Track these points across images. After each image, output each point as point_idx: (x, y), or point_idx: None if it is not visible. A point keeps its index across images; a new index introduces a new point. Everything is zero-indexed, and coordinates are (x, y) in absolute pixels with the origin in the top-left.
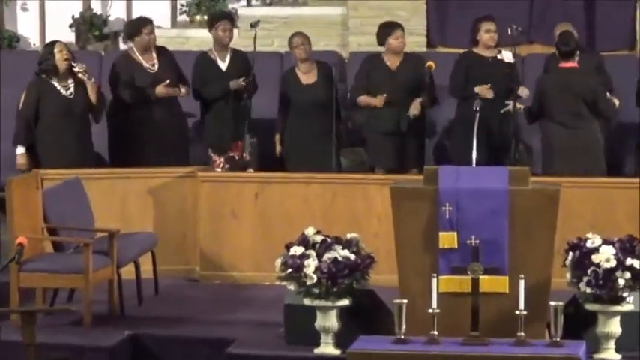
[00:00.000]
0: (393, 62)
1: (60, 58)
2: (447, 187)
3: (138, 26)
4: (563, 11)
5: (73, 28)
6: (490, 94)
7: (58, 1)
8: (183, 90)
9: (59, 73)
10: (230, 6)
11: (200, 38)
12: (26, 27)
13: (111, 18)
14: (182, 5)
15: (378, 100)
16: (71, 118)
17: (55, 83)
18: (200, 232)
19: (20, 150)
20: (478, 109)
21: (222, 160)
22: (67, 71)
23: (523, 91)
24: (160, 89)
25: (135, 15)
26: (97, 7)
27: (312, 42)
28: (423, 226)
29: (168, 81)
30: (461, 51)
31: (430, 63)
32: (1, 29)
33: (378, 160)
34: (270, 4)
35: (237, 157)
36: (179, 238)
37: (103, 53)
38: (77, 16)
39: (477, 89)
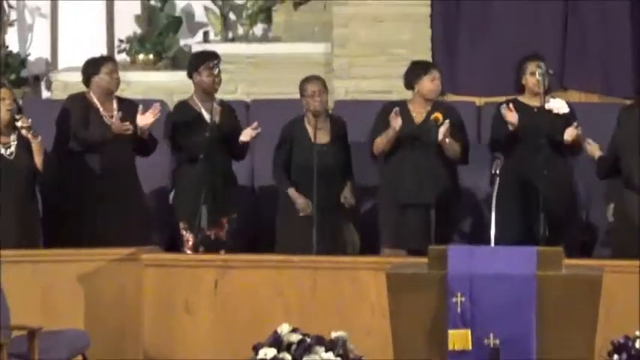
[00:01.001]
0: (418, 113)
1: (2, 108)
2: (458, 271)
3: (96, 64)
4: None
5: None
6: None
7: None
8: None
9: (2, 128)
10: (182, 42)
11: (144, 83)
12: None
13: (31, 58)
14: (121, 41)
15: (395, 122)
16: (10, 184)
17: None
18: (144, 330)
19: None
20: (497, 172)
21: (194, 239)
22: (9, 125)
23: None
24: (118, 124)
25: (61, 53)
26: (12, 44)
27: (288, 87)
28: (428, 322)
29: (128, 124)
30: (476, 100)
31: (437, 114)
32: None
33: (396, 238)
34: (232, 40)
35: (213, 237)
36: (117, 337)
37: (20, 102)
38: None
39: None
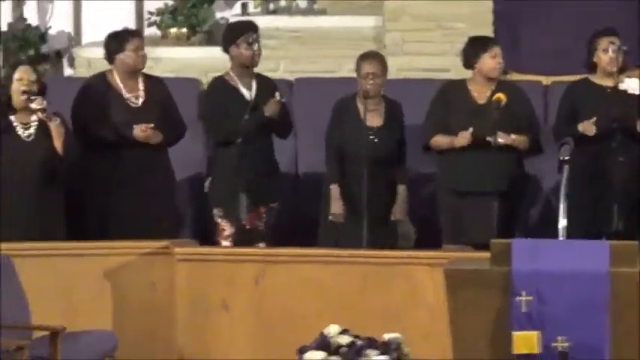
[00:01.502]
0: (480, 93)
1: (17, 89)
2: (523, 268)
3: (120, 40)
4: None
5: None
6: (592, 131)
7: None
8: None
9: (16, 108)
10: (218, 14)
11: (176, 60)
12: None
13: (52, 32)
14: (151, 13)
15: (463, 138)
16: (23, 169)
17: (13, 120)
18: (177, 329)
19: None
20: (567, 158)
21: (232, 229)
22: (26, 106)
23: None
24: (139, 131)
25: (85, 28)
26: (32, 17)
27: (334, 65)
28: (491, 323)
29: (152, 125)
30: (543, 79)
31: (500, 95)
32: None
33: (457, 231)
34: (274, 12)
35: (248, 227)
36: (147, 338)
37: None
38: (4, 28)
39: (580, 127)
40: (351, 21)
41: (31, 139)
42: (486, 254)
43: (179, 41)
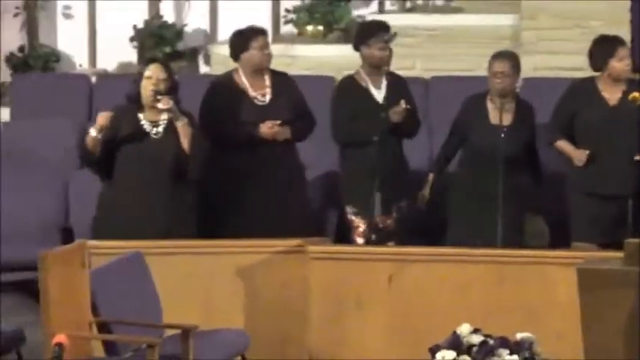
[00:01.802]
0: (611, 94)
1: (146, 86)
2: None
3: (245, 39)
4: None
5: (135, 43)
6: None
7: (113, 5)
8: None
9: (144, 106)
10: (355, 12)
11: (312, 58)
12: (70, 41)
13: (188, 29)
14: (287, 11)
15: (579, 155)
16: (148, 166)
17: (140, 116)
18: (310, 329)
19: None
20: None
21: (365, 226)
22: (154, 105)
23: None
24: (266, 129)
25: (221, 25)
26: (168, 15)
27: (470, 63)
28: (625, 323)
29: (279, 121)
30: None
31: (635, 94)
32: (35, 44)
33: (582, 231)
34: (411, 10)
35: (381, 225)
36: (280, 337)
37: (177, 77)
38: (141, 26)
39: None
40: (487, 19)
41: (159, 137)
42: (620, 254)
43: (315, 39)
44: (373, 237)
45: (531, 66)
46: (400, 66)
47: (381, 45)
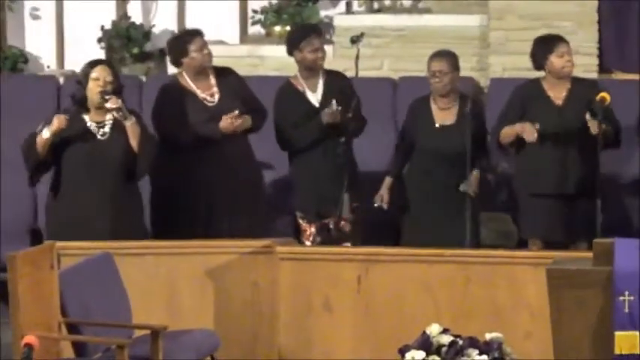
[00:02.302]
0: (557, 93)
1: (93, 87)
2: (625, 268)
3: (182, 43)
4: None
5: (103, 44)
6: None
7: (81, 5)
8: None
9: (89, 107)
10: (323, 13)
11: (280, 59)
12: (37, 42)
13: (156, 30)
14: (255, 12)
15: (528, 129)
16: (96, 168)
17: (86, 118)
18: (279, 329)
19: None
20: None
21: (312, 229)
22: (102, 106)
23: None
24: (226, 123)
25: (189, 26)
26: (136, 16)
27: None
28: (593, 323)
29: (237, 112)
30: None
31: (604, 94)
32: (3, 45)
33: (534, 229)
34: (378, 11)
35: (332, 227)
36: (249, 337)
37: (144, 79)
38: (108, 26)
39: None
40: (455, 20)
41: (106, 137)
42: (589, 254)
43: (283, 40)
44: (318, 239)
45: (500, 67)
46: (368, 66)
47: (312, 47)
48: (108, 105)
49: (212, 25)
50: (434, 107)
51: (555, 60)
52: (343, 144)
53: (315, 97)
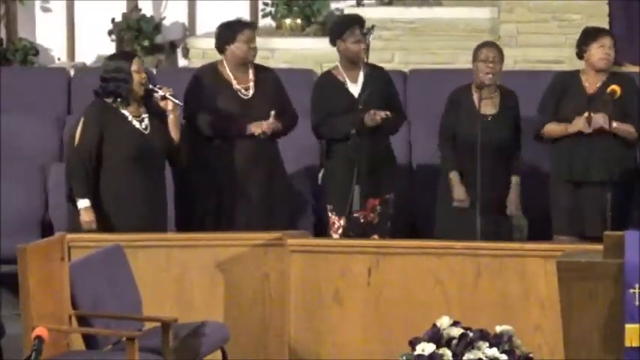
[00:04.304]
0: (591, 84)
1: (138, 81)
2: (636, 260)
3: (232, 31)
4: None
5: (113, 36)
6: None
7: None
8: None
9: (132, 101)
10: (333, 5)
11: (291, 51)
12: (48, 34)
13: (166, 22)
14: (265, 4)
15: (581, 122)
16: (144, 162)
17: (126, 113)
18: (289, 322)
19: (84, 204)
20: None
21: (341, 222)
22: (141, 98)
23: None
24: (257, 129)
25: (200, 18)
26: (146, 8)
27: (449, 56)
28: (604, 316)
29: (273, 113)
30: None
31: (614, 87)
32: (14, 38)
33: (565, 223)
34: (389, 4)
35: (362, 219)
36: (259, 330)
37: (154, 71)
38: (119, 19)
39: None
40: (466, 12)
41: (149, 130)
42: (600, 246)
43: (294, 32)
44: (351, 234)
45: (511, 59)
46: (379, 59)
47: (355, 39)
48: (160, 93)
49: (223, 17)
50: (476, 97)
51: (594, 51)
52: (384, 136)
53: (356, 89)
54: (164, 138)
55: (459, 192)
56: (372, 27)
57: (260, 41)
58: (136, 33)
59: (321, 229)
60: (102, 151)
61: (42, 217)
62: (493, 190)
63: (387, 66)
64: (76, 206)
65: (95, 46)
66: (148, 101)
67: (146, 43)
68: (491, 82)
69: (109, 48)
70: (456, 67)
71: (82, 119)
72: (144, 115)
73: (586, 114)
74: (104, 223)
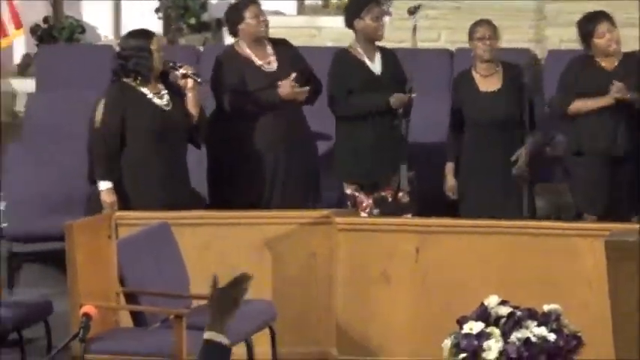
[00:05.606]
0: (608, 63)
1: (158, 60)
2: None
3: (238, 10)
4: None
5: (160, 14)
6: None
7: None
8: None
9: (152, 78)
10: None
11: (337, 29)
12: (94, 13)
13: (213, 0)
14: None
15: (608, 98)
16: (166, 139)
17: (146, 91)
18: (337, 300)
19: (106, 185)
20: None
21: (370, 201)
22: (164, 74)
23: None
24: (286, 89)
25: None
26: None
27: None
28: None
29: (294, 75)
30: None
31: None
32: (60, 16)
33: (588, 201)
34: None
35: (390, 198)
36: (307, 309)
37: (201, 49)
38: None
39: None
40: None
41: (170, 107)
42: None
43: (340, 10)
44: (375, 212)
45: (557, 38)
46: (425, 37)
47: (374, 15)
48: (182, 71)
49: None
50: (476, 76)
51: (597, 41)
52: (401, 115)
53: (375, 67)
54: (183, 115)
55: (449, 184)
56: (419, 6)
57: (306, 19)
58: (183, 11)
59: (340, 207)
60: (124, 131)
61: (89, 193)
62: (505, 164)
63: (433, 45)
64: (96, 187)
65: (141, 23)
66: (165, 78)
67: (192, 20)
68: (490, 57)
69: (156, 25)
70: (502, 47)
71: (103, 100)
72: (163, 92)
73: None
74: (126, 203)
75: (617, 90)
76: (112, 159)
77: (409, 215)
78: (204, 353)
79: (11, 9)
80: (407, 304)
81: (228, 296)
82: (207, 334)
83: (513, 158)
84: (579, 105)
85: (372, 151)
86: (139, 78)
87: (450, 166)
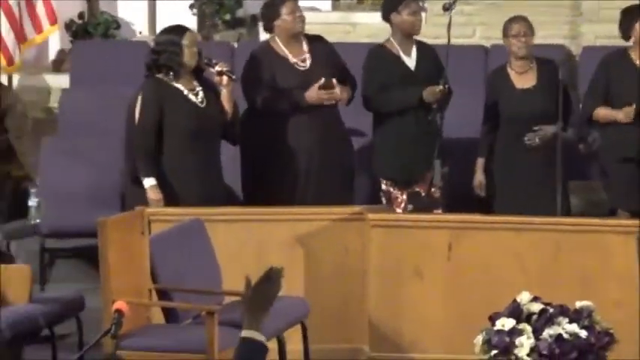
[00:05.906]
0: None
1: (190, 55)
2: None
3: (274, 6)
4: None
5: (194, 10)
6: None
7: None
8: (344, 94)
9: (184, 74)
10: None
11: (372, 25)
12: (129, 9)
13: None
14: None
15: (624, 113)
16: (202, 136)
17: (181, 87)
18: (370, 297)
19: (150, 182)
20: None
21: (404, 197)
22: (191, 71)
23: None
24: (313, 93)
25: None
26: None
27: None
28: None
29: (322, 80)
30: None
31: None
32: (95, 12)
33: (621, 198)
34: None
35: (423, 194)
36: (339, 305)
37: (235, 45)
38: None
39: (622, 114)
40: None
41: (205, 104)
42: None
43: (375, 6)
44: (409, 207)
45: (592, 35)
46: (460, 34)
47: (411, 10)
48: (217, 69)
49: None
50: (512, 73)
51: (638, 30)
52: (436, 110)
53: (411, 62)
54: (218, 112)
55: (477, 180)
56: (454, 2)
57: (341, 15)
58: (217, 7)
59: (375, 203)
60: (161, 127)
61: (122, 190)
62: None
63: (468, 41)
64: (140, 185)
65: (176, 19)
66: (199, 75)
67: (227, 16)
68: (525, 54)
69: (191, 22)
70: (536, 42)
71: (141, 96)
72: (198, 89)
73: (634, 106)
74: (165, 200)
75: (625, 115)
76: (153, 156)
77: (439, 210)
78: (242, 351)
79: (46, 5)
80: (439, 301)
81: (263, 295)
82: (245, 332)
83: (536, 128)
84: (602, 114)
85: (410, 148)
86: (171, 73)
87: (480, 162)
